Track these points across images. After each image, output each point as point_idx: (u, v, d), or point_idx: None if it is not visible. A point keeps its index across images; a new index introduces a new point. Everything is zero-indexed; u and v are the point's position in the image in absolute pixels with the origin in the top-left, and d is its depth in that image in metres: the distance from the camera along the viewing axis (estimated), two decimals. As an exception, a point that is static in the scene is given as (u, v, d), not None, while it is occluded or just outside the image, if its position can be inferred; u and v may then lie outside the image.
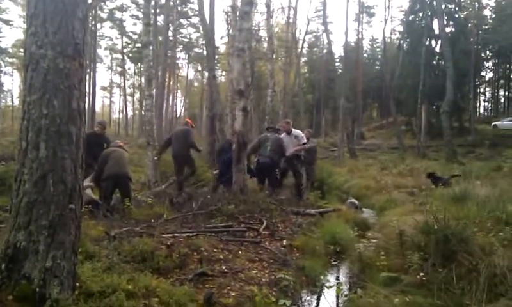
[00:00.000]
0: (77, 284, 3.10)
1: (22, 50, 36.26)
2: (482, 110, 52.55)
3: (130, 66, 56.60)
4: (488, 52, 43.32)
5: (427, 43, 32.21)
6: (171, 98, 50.47)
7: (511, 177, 12.03)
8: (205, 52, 27.22)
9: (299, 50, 35.61)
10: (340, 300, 3.94)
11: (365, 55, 52.64)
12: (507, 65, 45.57)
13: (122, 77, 56.79)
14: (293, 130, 9.50)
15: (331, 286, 4.09)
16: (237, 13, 13.99)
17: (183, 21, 45.87)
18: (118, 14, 46.59)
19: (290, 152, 9.00)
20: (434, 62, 34.09)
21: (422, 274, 4.09)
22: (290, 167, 9.22)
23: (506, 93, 48.57)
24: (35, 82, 2.93)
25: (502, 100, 50.24)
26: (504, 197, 6.71)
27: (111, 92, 66.35)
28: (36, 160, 2.90)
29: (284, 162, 9.06)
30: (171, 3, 35.53)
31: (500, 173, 14.75)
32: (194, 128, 10.59)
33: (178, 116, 56.25)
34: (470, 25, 36.07)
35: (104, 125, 9.19)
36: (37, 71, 2.93)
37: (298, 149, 9.15)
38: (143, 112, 28.47)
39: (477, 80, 39.93)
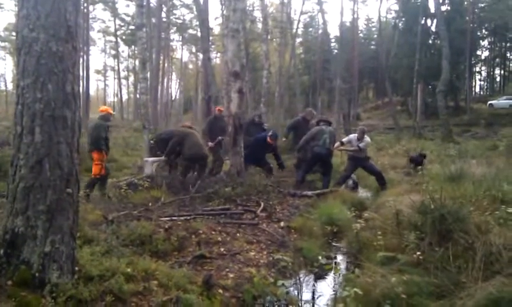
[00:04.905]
0: (77, 268, 3.11)
1: (14, 33, 35.75)
2: (478, 89, 52.58)
3: (124, 48, 56.15)
4: (483, 31, 43.12)
5: (423, 22, 32.01)
6: (165, 80, 50.21)
7: (506, 156, 12.06)
8: (199, 34, 27.00)
9: (294, 30, 35.15)
10: (337, 280, 3.97)
11: (361, 35, 52.21)
12: (503, 44, 45.43)
13: (116, 60, 56.34)
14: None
15: (328, 267, 4.11)
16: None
17: (176, 2, 45.32)
18: (110, -5, 45.91)
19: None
20: (430, 42, 33.95)
21: (418, 253, 4.12)
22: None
23: (502, 72, 48.57)
24: (28, 66, 2.89)
25: (498, 79, 50.25)
26: (500, 176, 6.76)
27: (105, 75, 65.87)
28: (31, 145, 2.88)
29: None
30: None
31: (496, 151, 14.79)
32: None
33: (173, 98, 56.01)
34: (465, 3, 35.81)
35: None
36: (30, 55, 2.89)
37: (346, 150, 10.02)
38: (137, 96, 28.29)
39: (472, 59, 39.76)
